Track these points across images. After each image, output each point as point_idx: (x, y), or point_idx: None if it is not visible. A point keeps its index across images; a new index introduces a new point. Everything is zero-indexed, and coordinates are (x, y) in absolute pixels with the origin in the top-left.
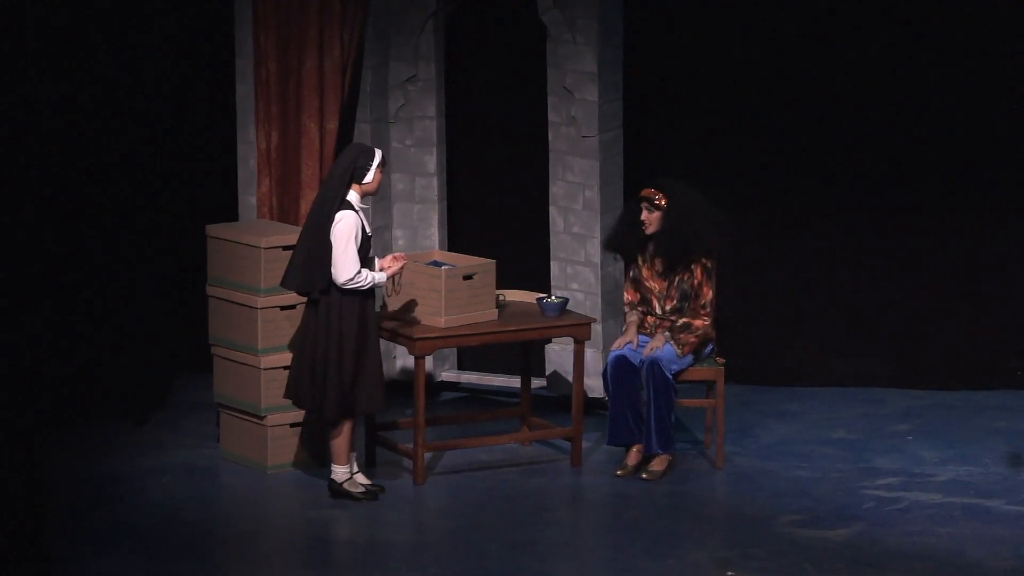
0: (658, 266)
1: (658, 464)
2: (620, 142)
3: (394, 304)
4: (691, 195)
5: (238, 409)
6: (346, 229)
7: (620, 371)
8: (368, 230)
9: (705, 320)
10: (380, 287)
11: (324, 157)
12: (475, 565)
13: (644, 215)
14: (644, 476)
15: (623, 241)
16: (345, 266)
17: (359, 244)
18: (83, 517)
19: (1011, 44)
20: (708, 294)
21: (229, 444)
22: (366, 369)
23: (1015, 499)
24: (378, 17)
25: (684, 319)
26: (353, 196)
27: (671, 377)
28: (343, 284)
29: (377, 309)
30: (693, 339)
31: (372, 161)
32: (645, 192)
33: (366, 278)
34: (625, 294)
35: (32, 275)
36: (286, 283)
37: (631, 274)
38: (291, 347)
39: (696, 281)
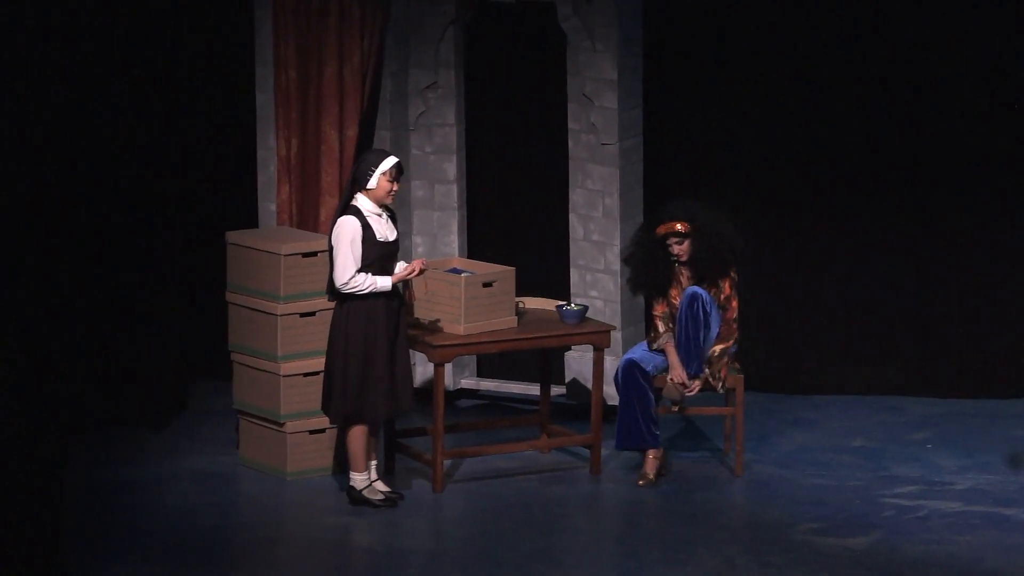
0: (685, 283)
1: (649, 467)
2: (640, 150)
3: (414, 311)
4: (704, 208)
5: (257, 416)
6: (342, 234)
7: (631, 376)
8: (382, 236)
9: (735, 335)
10: (388, 291)
11: (344, 164)
12: (493, 573)
13: (675, 249)
14: (640, 483)
15: (655, 283)
16: (340, 270)
17: (359, 249)
18: (100, 523)
19: None
20: (736, 306)
21: (248, 451)
22: (373, 376)
23: None
24: (398, 24)
25: (716, 347)
26: (364, 202)
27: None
28: (339, 288)
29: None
30: (723, 364)
31: (375, 167)
32: (665, 228)
33: (363, 282)
34: (656, 307)
35: (51, 282)
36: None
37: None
38: None
39: (724, 295)
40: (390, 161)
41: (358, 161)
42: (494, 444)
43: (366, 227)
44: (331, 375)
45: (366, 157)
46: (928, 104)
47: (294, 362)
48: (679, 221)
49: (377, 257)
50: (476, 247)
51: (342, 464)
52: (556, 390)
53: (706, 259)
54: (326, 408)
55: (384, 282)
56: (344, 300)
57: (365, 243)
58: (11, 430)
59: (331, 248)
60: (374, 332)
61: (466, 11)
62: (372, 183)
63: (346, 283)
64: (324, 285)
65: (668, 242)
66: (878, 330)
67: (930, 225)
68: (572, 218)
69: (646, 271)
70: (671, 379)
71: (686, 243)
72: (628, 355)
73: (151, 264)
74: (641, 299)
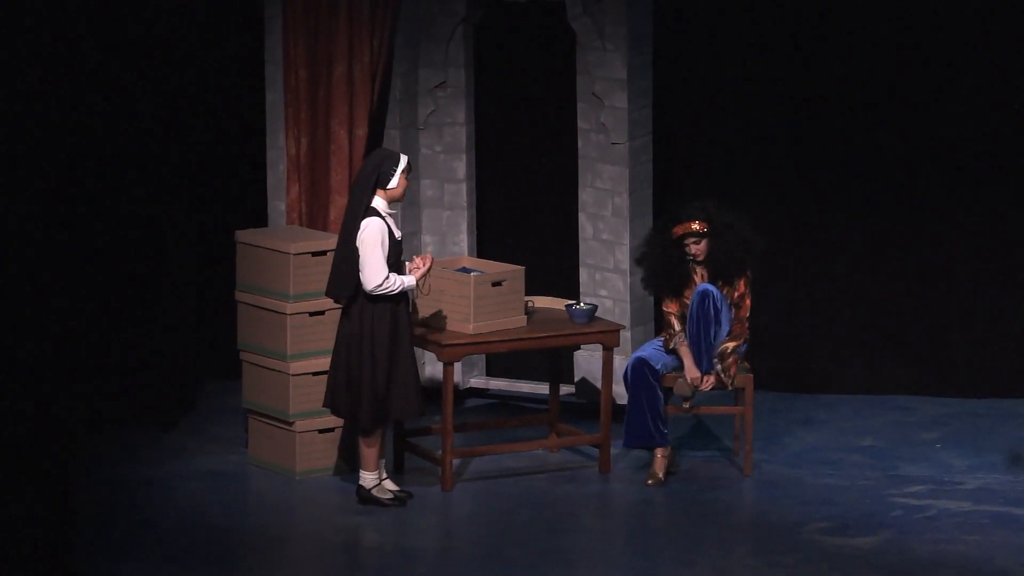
0: (699, 282)
1: (658, 466)
2: (649, 149)
3: (423, 310)
4: (723, 208)
5: (266, 415)
6: (371, 236)
7: (641, 374)
8: (397, 235)
9: (746, 334)
10: (411, 290)
11: (353, 163)
12: (502, 572)
13: (693, 248)
14: (649, 482)
15: (672, 284)
16: (373, 273)
17: (387, 250)
18: (110, 522)
19: None
20: (749, 304)
21: (257, 450)
22: (399, 376)
23: None
24: (408, 24)
25: (727, 344)
26: (379, 202)
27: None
28: (371, 291)
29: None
30: (732, 361)
31: (396, 166)
32: (682, 229)
33: (395, 283)
34: (670, 304)
35: (60, 281)
36: (327, 291)
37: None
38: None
39: (739, 293)
40: (404, 158)
41: (372, 163)
42: (503, 443)
43: (388, 228)
44: (352, 380)
45: (385, 157)
46: (939, 104)
47: (303, 361)
48: (699, 220)
49: (396, 257)
50: (485, 246)
51: (348, 463)
52: (565, 389)
53: (723, 258)
54: (355, 414)
55: (410, 280)
56: (370, 301)
57: (389, 243)
58: (20, 429)
59: (342, 249)
60: (398, 332)
61: (476, 10)
62: (394, 182)
63: (379, 285)
64: None
65: (686, 242)
66: (888, 330)
67: (941, 225)
68: (581, 217)
69: (663, 272)
70: (686, 379)
71: (703, 243)
72: (637, 353)
73: (160, 263)
74: (651, 298)
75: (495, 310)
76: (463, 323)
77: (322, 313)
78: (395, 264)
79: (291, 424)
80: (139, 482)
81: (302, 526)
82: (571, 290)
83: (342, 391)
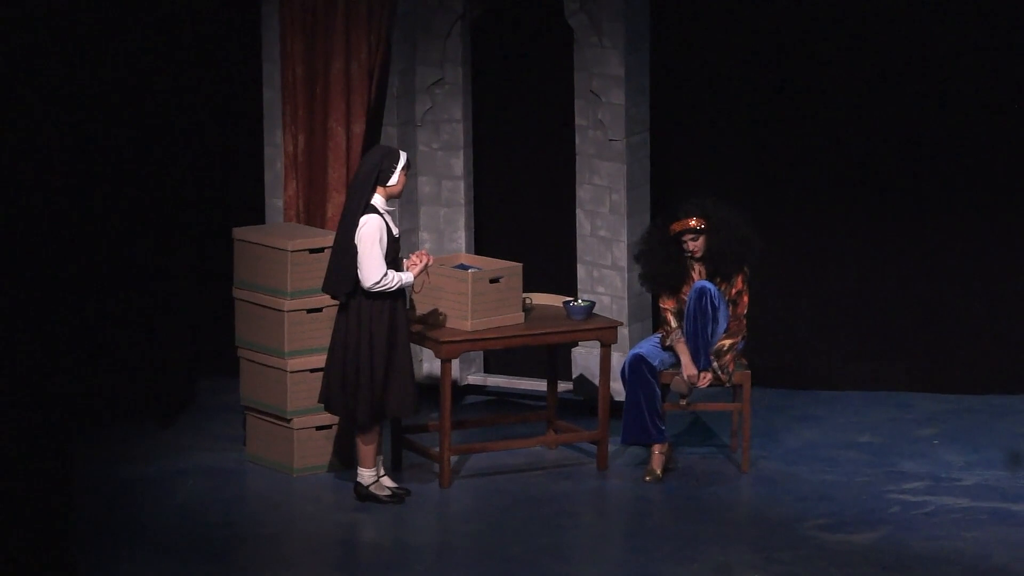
0: (696, 279)
1: (655, 463)
2: (647, 146)
3: (421, 307)
4: (720, 205)
5: (264, 412)
6: (370, 233)
7: (638, 370)
8: (395, 232)
9: (743, 331)
10: (408, 287)
11: (351, 160)
12: (500, 568)
13: (690, 245)
14: (646, 479)
15: (670, 281)
16: (371, 269)
17: (385, 247)
18: (108, 519)
19: None
20: (747, 301)
21: (255, 447)
22: (396, 373)
23: None
24: (405, 21)
25: (725, 341)
26: (378, 199)
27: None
28: (370, 287)
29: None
30: (730, 358)
31: (396, 163)
32: (680, 226)
33: (393, 280)
34: (667, 301)
35: (58, 276)
36: (323, 287)
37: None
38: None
39: (736, 290)
40: (404, 155)
41: (373, 160)
42: (501, 440)
43: (386, 225)
44: (349, 376)
45: (385, 154)
46: (937, 102)
47: (301, 358)
48: (698, 216)
49: (394, 254)
50: (483, 243)
51: (344, 460)
52: (563, 386)
53: (721, 255)
54: (352, 411)
55: (408, 277)
56: (368, 298)
57: (387, 240)
58: (18, 427)
59: (341, 246)
60: (396, 329)
61: (473, 7)
62: (394, 179)
63: (378, 282)
64: None
65: (683, 239)
66: (886, 326)
67: (938, 221)
68: (579, 214)
69: (660, 268)
70: (683, 376)
71: (701, 239)
72: (635, 350)
73: (158, 260)
74: (648, 295)
75: (493, 307)
76: (461, 320)
77: (320, 310)
78: (393, 261)
79: (289, 421)
80: (137, 479)
81: (300, 523)
82: (569, 287)
83: (337, 388)
